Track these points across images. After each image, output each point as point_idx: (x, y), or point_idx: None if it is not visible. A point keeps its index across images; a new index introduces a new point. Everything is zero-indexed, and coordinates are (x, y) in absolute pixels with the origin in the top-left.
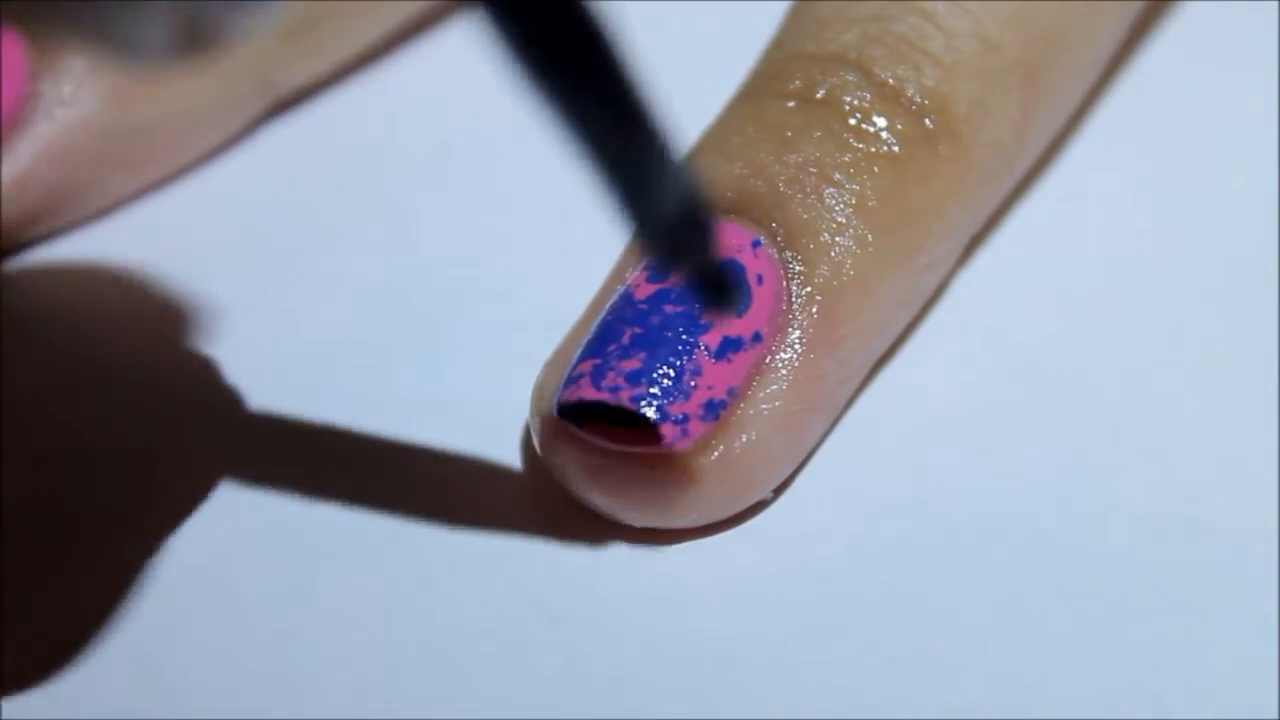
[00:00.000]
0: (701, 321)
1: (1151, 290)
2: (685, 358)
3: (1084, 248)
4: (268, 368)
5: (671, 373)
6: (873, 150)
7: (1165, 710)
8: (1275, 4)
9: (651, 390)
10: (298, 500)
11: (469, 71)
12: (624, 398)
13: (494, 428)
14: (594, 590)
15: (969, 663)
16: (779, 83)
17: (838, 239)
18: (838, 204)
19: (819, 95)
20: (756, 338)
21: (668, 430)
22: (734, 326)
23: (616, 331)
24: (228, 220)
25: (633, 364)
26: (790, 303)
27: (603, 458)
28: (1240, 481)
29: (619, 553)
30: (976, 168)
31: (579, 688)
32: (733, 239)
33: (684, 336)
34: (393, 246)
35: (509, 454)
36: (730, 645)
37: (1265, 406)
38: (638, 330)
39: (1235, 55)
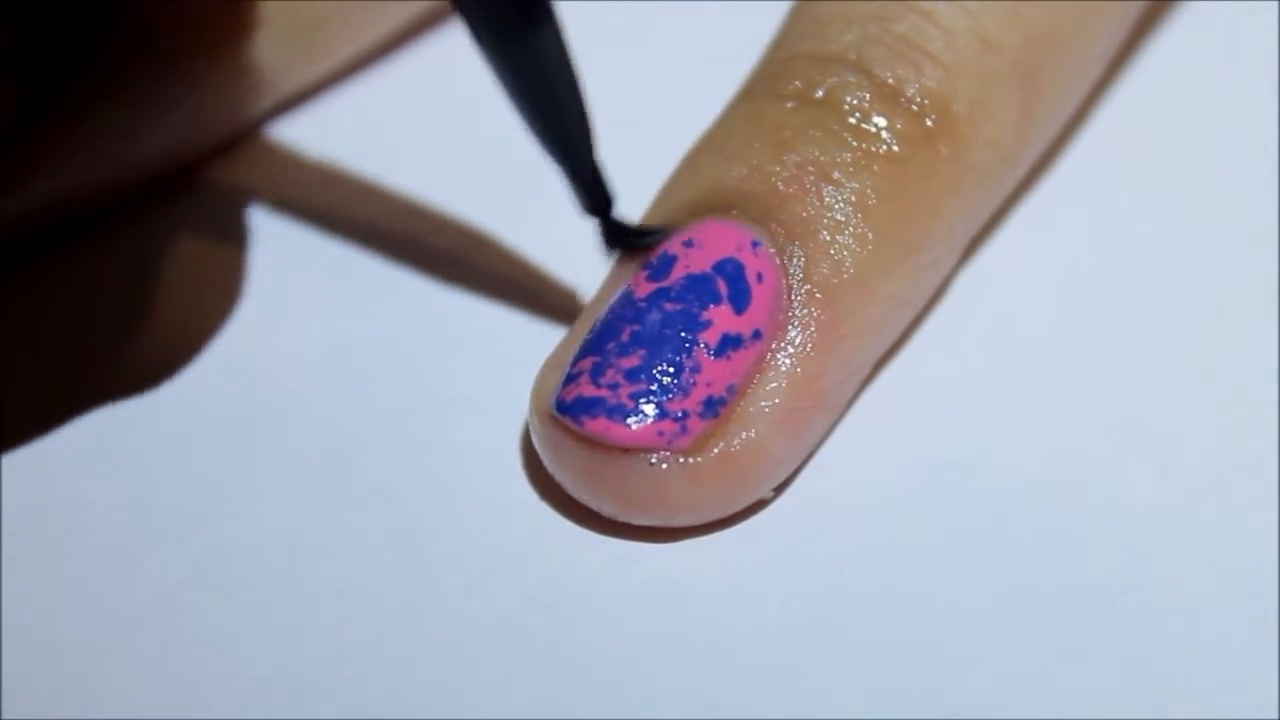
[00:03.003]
0: (701, 319)
1: (1152, 290)
2: (685, 355)
3: (1085, 247)
4: (268, 366)
5: (671, 370)
6: (872, 150)
7: (1165, 710)
8: (1275, 4)
9: (651, 387)
10: (298, 499)
11: (470, 71)
12: (623, 395)
13: (494, 427)
14: (594, 589)
15: (969, 662)
16: (778, 83)
17: (837, 237)
18: (837, 203)
19: (818, 95)
20: (756, 335)
21: (667, 427)
22: (734, 324)
23: (616, 329)
24: (229, 219)
25: (632, 361)
26: (790, 301)
27: (602, 456)
28: (1240, 481)
29: (619, 551)
30: (977, 167)
31: (578, 687)
32: (732, 238)
33: (683, 334)
34: (393, 245)
35: (509, 453)
36: (730, 645)
37: (1265, 406)
38: (637, 328)
39: (1235, 55)
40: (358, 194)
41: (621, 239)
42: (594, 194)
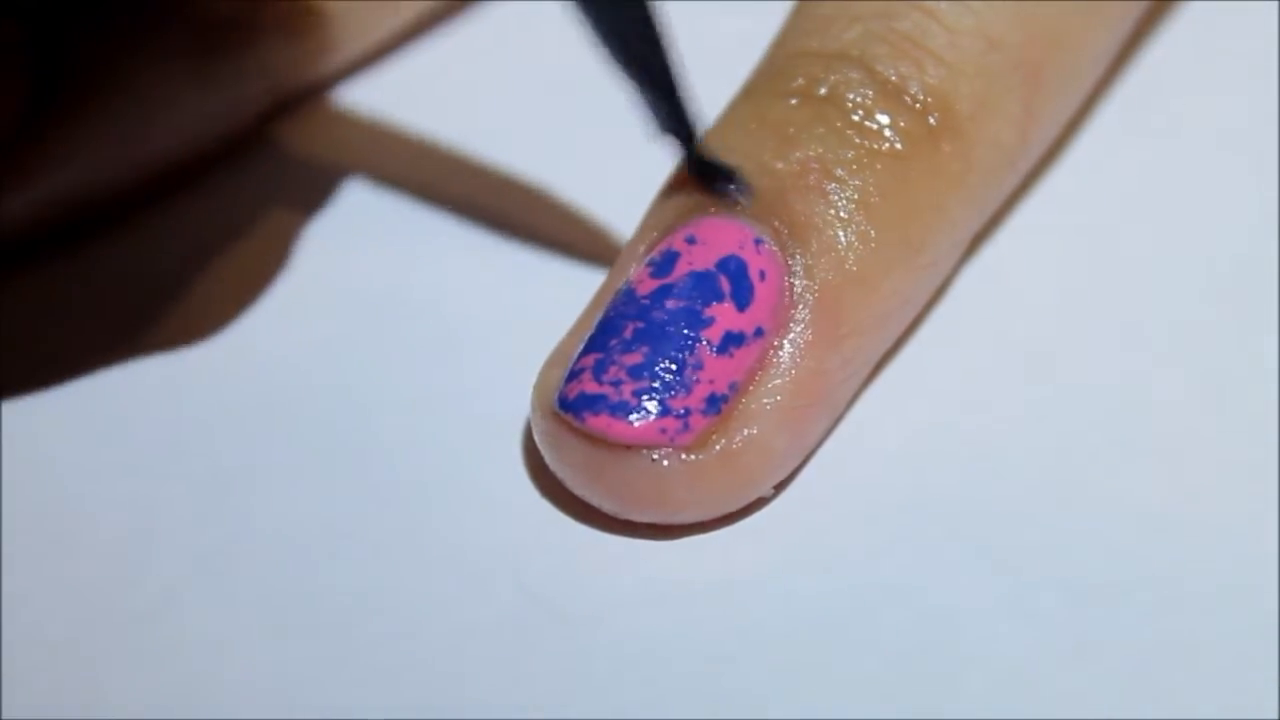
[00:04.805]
0: (704, 316)
1: (1153, 289)
2: (687, 352)
3: (1087, 246)
4: (268, 366)
5: (673, 367)
6: (875, 147)
7: (1166, 710)
8: (1275, 4)
9: (653, 384)
10: (297, 496)
11: (473, 69)
12: (626, 392)
13: (495, 424)
14: (595, 587)
15: (969, 662)
16: (782, 80)
17: (840, 235)
18: (840, 200)
19: (822, 92)
20: (759, 332)
21: (669, 424)
22: (736, 321)
23: (618, 326)
24: (230, 218)
25: (634, 358)
26: (792, 298)
27: (604, 452)
28: (1240, 481)
29: (620, 549)
30: (979, 166)
31: (580, 685)
32: (735, 235)
33: (686, 331)
34: (394, 242)
35: (510, 451)
36: (730, 643)
37: (1265, 406)
38: (640, 325)
39: (1235, 55)
40: (358, 194)
41: (705, 171)
42: (681, 121)
